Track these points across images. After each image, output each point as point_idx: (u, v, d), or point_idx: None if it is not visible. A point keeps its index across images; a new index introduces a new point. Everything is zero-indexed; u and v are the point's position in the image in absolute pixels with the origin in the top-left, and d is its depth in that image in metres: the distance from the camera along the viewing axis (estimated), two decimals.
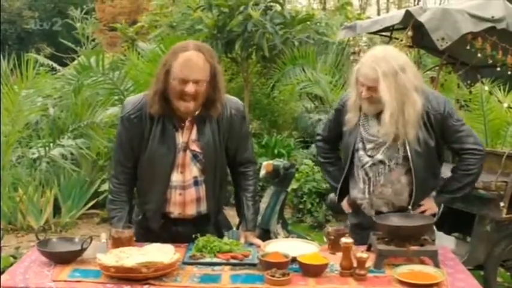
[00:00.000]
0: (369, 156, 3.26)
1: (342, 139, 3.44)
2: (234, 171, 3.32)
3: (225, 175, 3.31)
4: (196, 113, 3.06)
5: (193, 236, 3.04)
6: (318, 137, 3.68)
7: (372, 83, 3.09)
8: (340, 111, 3.42)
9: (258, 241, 3.16)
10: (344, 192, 3.50)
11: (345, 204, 3.54)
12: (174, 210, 3.16)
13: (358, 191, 3.35)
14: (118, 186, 3.19)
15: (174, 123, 3.07)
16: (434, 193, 3.36)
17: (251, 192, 3.29)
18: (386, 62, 3.08)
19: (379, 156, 3.24)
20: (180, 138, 3.08)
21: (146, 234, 3.18)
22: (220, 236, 3.17)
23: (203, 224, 3.20)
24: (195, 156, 3.10)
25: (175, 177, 3.11)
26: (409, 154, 3.19)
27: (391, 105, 3.08)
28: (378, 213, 3.29)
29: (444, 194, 3.35)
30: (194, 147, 3.09)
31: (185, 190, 3.13)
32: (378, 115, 3.19)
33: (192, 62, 2.91)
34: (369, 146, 3.26)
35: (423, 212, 3.28)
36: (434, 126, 3.20)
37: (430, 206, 3.31)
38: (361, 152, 3.29)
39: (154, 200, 3.15)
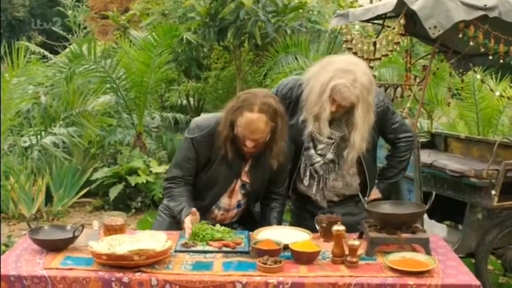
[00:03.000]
0: (320, 155, 3.32)
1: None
2: (264, 195, 3.47)
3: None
4: None
5: None
6: None
7: (349, 104, 3.12)
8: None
9: None
10: None
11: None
12: (213, 223, 3.27)
13: (308, 187, 3.42)
14: (178, 189, 3.30)
15: (240, 153, 3.21)
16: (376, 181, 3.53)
17: (279, 212, 3.46)
18: (362, 85, 3.08)
19: (330, 155, 3.32)
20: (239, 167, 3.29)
21: (175, 225, 3.30)
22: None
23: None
24: (243, 185, 3.33)
25: (224, 200, 3.36)
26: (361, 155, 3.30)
27: (363, 128, 3.15)
28: (330, 202, 3.45)
29: (384, 180, 3.55)
30: (245, 177, 3.32)
31: (228, 212, 3.38)
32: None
33: (253, 125, 3.04)
34: (320, 146, 3.31)
35: (373, 200, 3.38)
36: (377, 121, 3.28)
37: (375, 192, 3.49)
38: (311, 151, 3.34)
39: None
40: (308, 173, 3.38)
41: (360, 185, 3.45)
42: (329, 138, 3.27)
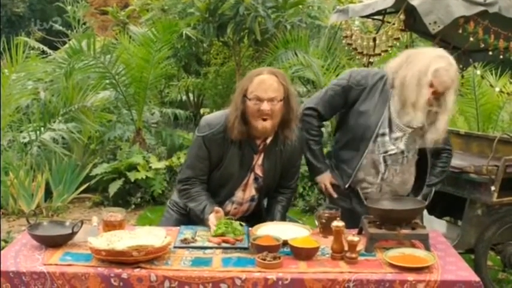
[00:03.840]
0: (393, 144, 3.31)
1: (351, 119, 3.41)
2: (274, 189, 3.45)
3: None
4: (269, 140, 3.19)
5: None
6: (309, 111, 3.50)
7: (443, 90, 3.14)
8: (351, 89, 3.39)
9: None
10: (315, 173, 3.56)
11: (329, 188, 3.53)
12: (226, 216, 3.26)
13: (368, 175, 3.38)
14: (195, 189, 3.27)
15: (253, 147, 3.19)
16: None
17: (284, 206, 3.43)
18: (455, 70, 3.15)
19: (402, 145, 3.31)
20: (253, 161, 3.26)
21: (183, 222, 3.34)
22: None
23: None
24: (256, 178, 3.30)
25: (238, 194, 3.33)
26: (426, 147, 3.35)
27: (451, 113, 3.22)
28: None
29: (425, 187, 3.51)
30: (258, 171, 3.28)
31: (241, 206, 3.35)
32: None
33: (266, 83, 3.06)
34: (397, 134, 3.30)
35: None
36: None
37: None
38: (386, 138, 3.32)
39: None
40: (375, 161, 3.34)
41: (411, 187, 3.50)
42: (408, 127, 3.26)
